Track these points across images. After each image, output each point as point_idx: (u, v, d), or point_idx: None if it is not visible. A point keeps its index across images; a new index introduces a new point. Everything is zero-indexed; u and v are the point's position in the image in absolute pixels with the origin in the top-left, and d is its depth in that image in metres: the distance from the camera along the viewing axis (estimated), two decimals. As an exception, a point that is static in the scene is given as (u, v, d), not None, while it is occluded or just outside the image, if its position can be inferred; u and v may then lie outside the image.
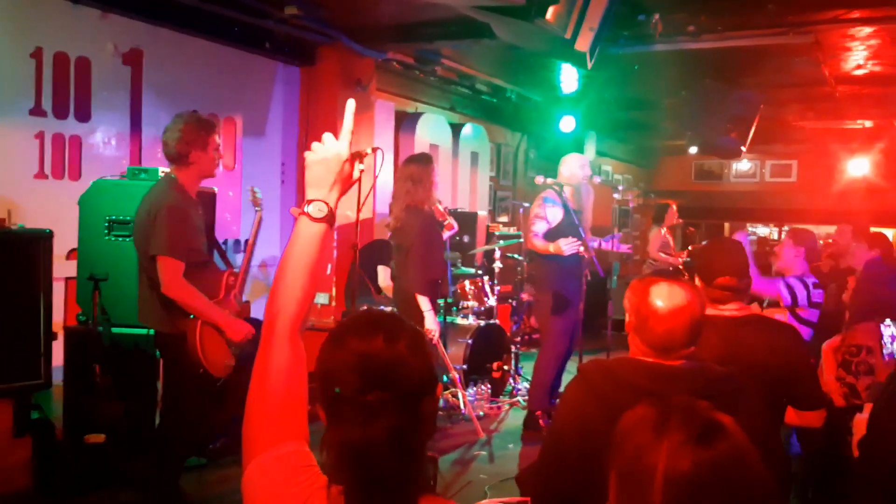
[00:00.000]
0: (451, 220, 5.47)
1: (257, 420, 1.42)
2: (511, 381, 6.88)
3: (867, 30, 6.18)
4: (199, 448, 4.46)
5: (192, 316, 3.68)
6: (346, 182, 1.59)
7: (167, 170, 4.87)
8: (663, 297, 2.18)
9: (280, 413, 1.41)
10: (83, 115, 5.45)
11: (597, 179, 5.96)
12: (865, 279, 3.52)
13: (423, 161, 5.28)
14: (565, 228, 5.54)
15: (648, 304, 2.19)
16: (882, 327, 2.87)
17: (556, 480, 2.24)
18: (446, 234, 5.43)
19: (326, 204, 1.53)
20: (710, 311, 2.77)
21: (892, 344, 2.82)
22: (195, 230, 3.77)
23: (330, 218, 1.54)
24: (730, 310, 2.84)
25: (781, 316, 4.74)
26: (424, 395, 1.34)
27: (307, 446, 1.41)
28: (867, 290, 3.46)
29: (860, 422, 2.89)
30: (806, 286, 4.73)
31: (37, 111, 5.15)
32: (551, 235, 5.58)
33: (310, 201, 1.54)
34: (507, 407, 6.48)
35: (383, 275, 6.50)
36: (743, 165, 15.22)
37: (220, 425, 4.69)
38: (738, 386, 2.20)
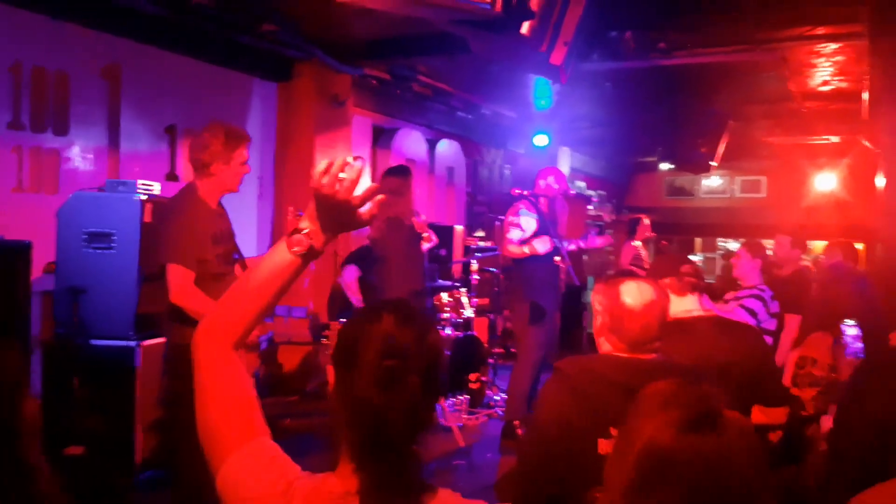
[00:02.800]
0: (430, 233, 5.52)
1: (219, 425, 1.45)
2: (488, 392, 6.92)
3: (832, 46, 6.36)
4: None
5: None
6: (349, 230, 1.51)
7: (148, 183, 4.92)
8: (634, 294, 2.29)
9: (240, 415, 1.46)
10: (61, 129, 5.45)
11: (572, 192, 6.06)
12: (829, 281, 3.64)
13: (403, 173, 5.34)
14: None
15: (622, 303, 2.29)
16: (844, 327, 2.98)
17: (537, 475, 2.29)
18: (426, 246, 5.47)
19: (310, 240, 1.45)
20: (675, 312, 2.88)
21: (854, 343, 2.94)
22: (205, 241, 3.68)
23: (309, 255, 1.46)
24: (695, 309, 2.95)
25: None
26: (433, 388, 1.41)
27: (271, 440, 1.46)
28: (830, 292, 3.58)
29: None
30: (763, 300, 4.95)
31: (15, 125, 5.14)
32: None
33: (298, 230, 1.45)
34: (485, 418, 6.52)
35: (349, 274, 6.52)
36: (713, 182, 15.45)
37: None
38: (703, 379, 2.30)
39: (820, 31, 5.82)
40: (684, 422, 1.24)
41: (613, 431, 2.22)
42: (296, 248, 1.44)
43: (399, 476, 1.37)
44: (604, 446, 2.22)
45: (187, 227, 3.63)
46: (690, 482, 1.21)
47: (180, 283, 3.57)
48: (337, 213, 1.43)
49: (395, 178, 5.29)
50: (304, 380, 6.81)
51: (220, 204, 3.86)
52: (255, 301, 1.48)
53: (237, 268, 3.91)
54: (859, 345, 2.89)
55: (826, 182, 12.36)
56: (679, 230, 15.32)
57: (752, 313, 4.85)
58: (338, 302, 5.61)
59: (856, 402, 2.48)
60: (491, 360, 7.08)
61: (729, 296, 5.36)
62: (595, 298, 2.38)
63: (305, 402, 6.49)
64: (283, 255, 1.46)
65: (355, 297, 5.69)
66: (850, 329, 2.94)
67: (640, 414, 1.31)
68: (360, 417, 1.35)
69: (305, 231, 1.45)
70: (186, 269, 3.58)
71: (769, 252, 6.01)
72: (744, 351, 2.90)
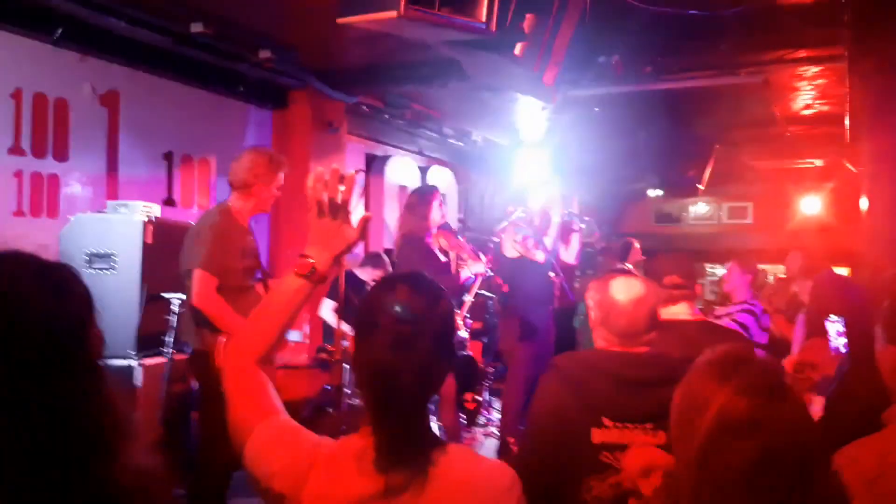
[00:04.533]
0: (464, 255, 5.42)
1: (242, 414, 1.59)
2: (484, 411, 6.98)
3: (813, 69, 6.51)
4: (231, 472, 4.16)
5: (222, 338, 3.74)
6: (344, 245, 1.64)
7: (149, 204, 5.01)
8: (623, 289, 2.41)
9: (259, 403, 1.59)
10: (61, 155, 5.54)
11: (565, 214, 6.18)
12: (816, 292, 3.76)
13: (422, 191, 5.45)
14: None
15: (611, 297, 2.40)
16: (828, 323, 3.09)
17: (534, 464, 2.37)
18: (467, 274, 5.42)
19: (312, 262, 1.61)
20: (666, 315, 2.97)
21: (836, 339, 3.05)
22: (234, 253, 3.87)
23: (312, 276, 1.61)
24: (682, 313, 3.05)
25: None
26: (443, 351, 1.53)
27: (289, 417, 1.61)
28: (817, 302, 3.70)
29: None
30: (755, 315, 5.04)
31: (16, 150, 5.23)
32: (519, 263, 5.75)
33: (301, 256, 1.63)
34: (480, 437, 6.57)
35: (326, 308, 6.58)
36: (701, 208, 15.63)
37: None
38: None
39: (801, 53, 5.95)
40: (754, 387, 1.35)
41: (606, 421, 2.31)
42: (300, 271, 1.61)
43: (411, 432, 1.49)
44: (597, 436, 2.31)
45: (217, 237, 3.81)
46: (762, 444, 1.30)
47: (203, 289, 3.73)
48: (331, 234, 1.61)
49: (414, 195, 5.40)
50: (300, 405, 6.84)
51: (249, 223, 4.07)
52: (272, 324, 1.63)
53: (259, 285, 4.05)
54: (843, 339, 3.01)
55: (811, 206, 12.53)
56: (668, 256, 15.41)
57: (745, 328, 4.92)
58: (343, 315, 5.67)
59: (845, 390, 2.60)
60: (486, 382, 7.13)
61: (720, 311, 5.44)
62: (588, 294, 2.49)
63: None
64: (291, 279, 1.62)
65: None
66: (833, 325, 3.05)
67: (702, 381, 1.41)
68: (375, 377, 1.48)
69: (309, 257, 1.61)
70: (211, 276, 3.75)
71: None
72: None
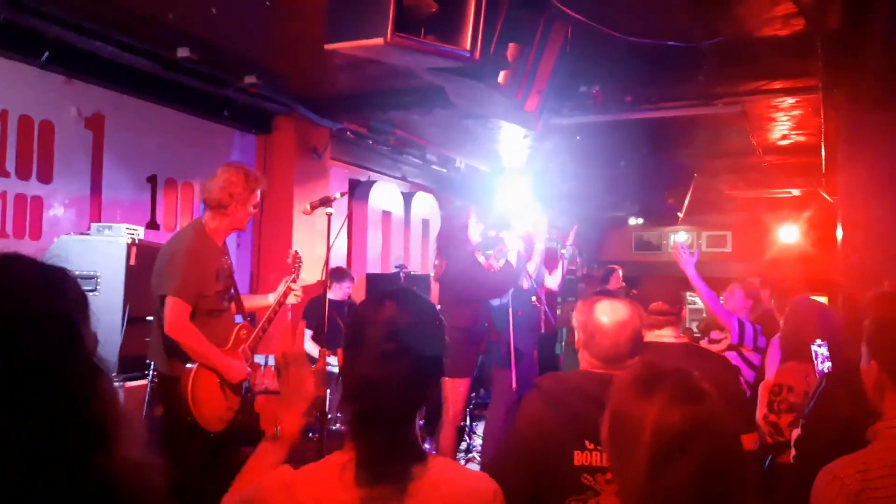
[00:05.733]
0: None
1: None
2: (467, 437, 6.98)
3: (790, 100, 6.64)
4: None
5: (190, 365, 3.65)
6: (306, 401, 1.74)
7: (133, 227, 5.02)
8: (607, 313, 2.42)
9: None
10: (45, 177, 5.55)
11: (549, 240, 6.25)
12: (792, 317, 3.83)
13: (455, 210, 5.50)
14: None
15: (594, 320, 2.42)
16: (814, 347, 3.15)
17: (512, 479, 2.38)
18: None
19: (282, 427, 1.70)
20: (649, 337, 3.02)
21: (822, 364, 3.11)
22: (209, 277, 3.74)
23: (280, 438, 1.70)
24: (667, 336, 3.09)
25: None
26: (429, 367, 1.57)
27: None
28: (794, 327, 3.77)
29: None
30: (755, 330, 5.10)
31: (0, 172, 5.24)
32: None
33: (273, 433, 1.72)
34: (463, 462, 6.57)
35: (306, 338, 6.58)
36: (680, 237, 15.77)
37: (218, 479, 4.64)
38: None
39: (777, 84, 6.07)
40: (680, 397, 1.38)
41: (588, 444, 2.32)
42: (271, 439, 1.70)
43: (392, 445, 1.51)
44: (578, 458, 2.32)
45: (193, 263, 3.68)
46: (704, 449, 1.34)
47: (177, 317, 3.59)
48: (294, 386, 1.72)
49: (447, 215, 5.48)
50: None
51: (223, 242, 3.95)
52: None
53: (232, 306, 3.99)
54: (828, 364, 3.07)
55: (789, 235, 12.69)
56: (647, 284, 15.51)
57: (742, 331, 4.93)
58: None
59: (822, 408, 2.65)
60: (468, 408, 7.13)
61: (716, 335, 5.48)
62: (574, 315, 2.51)
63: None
64: (263, 447, 1.71)
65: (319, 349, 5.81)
66: (821, 349, 3.11)
67: (629, 401, 1.44)
68: (359, 391, 1.52)
69: (276, 423, 1.71)
70: (185, 304, 3.62)
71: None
72: (711, 375, 3.03)
